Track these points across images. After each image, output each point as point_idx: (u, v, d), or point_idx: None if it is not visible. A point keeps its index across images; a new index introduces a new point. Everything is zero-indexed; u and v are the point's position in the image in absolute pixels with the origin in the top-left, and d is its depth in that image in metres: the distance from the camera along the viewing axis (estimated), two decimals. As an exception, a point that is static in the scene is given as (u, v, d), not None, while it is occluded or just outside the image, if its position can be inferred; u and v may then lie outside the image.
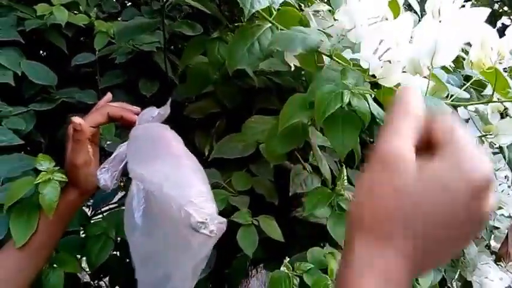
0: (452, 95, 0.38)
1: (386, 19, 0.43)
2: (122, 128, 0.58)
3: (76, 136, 0.43)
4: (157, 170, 0.38)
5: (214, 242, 0.36)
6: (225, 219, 0.36)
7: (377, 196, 0.22)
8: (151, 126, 0.45)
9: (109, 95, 0.50)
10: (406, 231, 0.21)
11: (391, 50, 0.39)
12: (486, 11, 0.41)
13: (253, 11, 0.42)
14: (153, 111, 0.46)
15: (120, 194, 0.68)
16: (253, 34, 0.45)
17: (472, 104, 0.47)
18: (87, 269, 0.63)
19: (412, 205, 0.21)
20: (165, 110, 0.46)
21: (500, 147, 0.52)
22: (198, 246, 0.36)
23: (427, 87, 0.37)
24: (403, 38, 0.39)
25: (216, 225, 0.35)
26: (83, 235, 0.60)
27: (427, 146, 0.23)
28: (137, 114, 0.47)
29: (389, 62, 0.39)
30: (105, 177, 0.44)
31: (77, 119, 0.43)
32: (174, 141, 0.43)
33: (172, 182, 0.37)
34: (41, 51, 0.73)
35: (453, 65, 0.53)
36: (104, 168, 0.44)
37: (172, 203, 0.35)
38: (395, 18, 0.55)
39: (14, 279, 0.44)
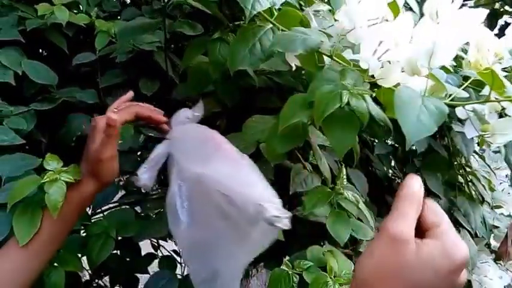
0: (450, 95, 0.38)
1: (386, 20, 0.43)
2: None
3: (109, 131, 0.44)
4: (218, 169, 0.40)
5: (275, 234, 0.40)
6: (290, 213, 0.38)
7: (384, 267, 0.29)
8: (194, 127, 0.47)
9: (131, 93, 0.51)
10: None
11: (391, 51, 0.39)
12: (484, 12, 0.41)
13: (254, 12, 0.42)
14: (186, 113, 0.48)
15: (120, 193, 0.68)
16: (255, 35, 0.45)
17: (470, 104, 0.48)
18: (88, 268, 0.64)
19: (410, 279, 0.28)
20: (199, 110, 0.49)
21: (501, 148, 0.52)
22: (260, 240, 0.39)
23: (426, 87, 0.37)
24: (403, 39, 0.39)
25: (287, 218, 0.37)
26: (84, 234, 0.60)
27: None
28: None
29: (389, 62, 0.40)
30: (145, 177, 0.46)
31: (113, 115, 0.45)
32: (224, 141, 0.44)
33: (238, 180, 0.39)
34: (42, 51, 0.74)
35: (454, 64, 0.53)
36: (144, 168, 0.46)
37: (243, 199, 0.37)
38: (395, 19, 0.55)
39: (16, 279, 0.43)
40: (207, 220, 0.42)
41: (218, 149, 0.43)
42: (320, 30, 0.47)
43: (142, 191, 0.74)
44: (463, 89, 0.40)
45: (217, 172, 0.40)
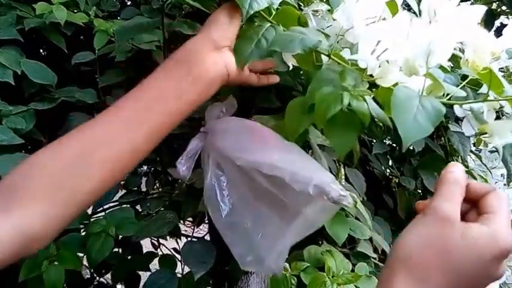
0: (448, 94, 0.39)
1: (384, 19, 0.43)
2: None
3: None
4: (271, 155, 0.42)
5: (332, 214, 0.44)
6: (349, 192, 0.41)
7: (429, 246, 0.29)
8: (234, 119, 0.49)
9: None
10: (442, 279, 0.29)
11: (389, 50, 0.39)
12: (482, 9, 0.41)
13: (252, 12, 0.42)
14: (220, 107, 0.51)
15: (120, 193, 0.68)
16: (257, 33, 0.44)
17: (468, 103, 0.48)
18: (91, 268, 0.64)
19: (453, 261, 0.29)
20: (232, 105, 0.52)
21: (497, 146, 0.53)
22: (312, 220, 0.43)
23: (423, 86, 0.37)
24: (401, 38, 0.39)
25: (349, 197, 0.40)
26: (84, 233, 0.60)
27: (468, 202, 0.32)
28: None
29: (387, 62, 0.40)
30: (183, 168, 0.48)
31: None
32: (269, 132, 0.46)
33: (294, 164, 0.41)
34: (41, 50, 0.74)
35: (451, 65, 0.54)
36: (182, 160, 0.49)
37: (303, 181, 0.39)
38: (393, 17, 0.55)
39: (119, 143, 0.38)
40: (250, 206, 0.45)
41: (266, 138, 0.46)
42: (318, 30, 0.47)
43: (143, 189, 0.74)
44: (461, 88, 0.40)
45: (271, 158, 0.42)
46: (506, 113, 0.52)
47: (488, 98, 0.39)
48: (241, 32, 0.45)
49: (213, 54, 0.41)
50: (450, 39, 0.37)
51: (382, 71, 0.41)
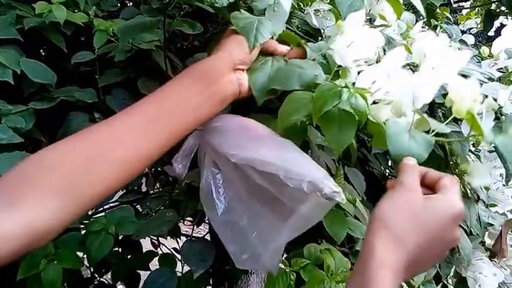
0: (434, 130, 0.40)
1: (378, 61, 0.44)
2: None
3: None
4: (265, 152, 0.43)
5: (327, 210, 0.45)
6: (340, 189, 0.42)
7: (400, 210, 0.35)
8: (229, 117, 0.49)
9: None
10: (417, 238, 0.34)
11: (382, 89, 0.41)
12: (469, 54, 0.42)
13: (257, 43, 0.45)
14: None
15: (120, 192, 0.68)
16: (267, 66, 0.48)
17: (452, 140, 0.53)
18: (91, 267, 0.64)
19: (421, 221, 0.35)
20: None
21: (495, 146, 0.53)
22: (307, 217, 0.43)
23: (412, 121, 0.39)
24: (394, 80, 0.41)
25: (342, 193, 0.41)
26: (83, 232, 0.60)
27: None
28: None
29: (380, 100, 0.42)
30: (179, 166, 0.49)
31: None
32: (263, 129, 0.47)
33: (288, 161, 0.42)
34: (41, 50, 0.74)
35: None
36: (178, 158, 0.49)
37: (297, 177, 0.40)
38: (398, 17, 0.56)
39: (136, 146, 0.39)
40: (245, 203, 0.46)
41: (260, 135, 0.46)
42: (314, 61, 0.49)
43: (143, 189, 0.74)
44: (447, 123, 0.42)
45: (265, 155, 0.42)
46: (505, 113, 0.52)
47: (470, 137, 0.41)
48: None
49: (230, 74, 0.45)
50: (433, 87, 0.40)
51: (375, 108, 0.42)
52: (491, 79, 0.59)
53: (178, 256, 0.63)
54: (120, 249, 0.68)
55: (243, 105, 0.56)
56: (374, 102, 0.43)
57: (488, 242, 0.76)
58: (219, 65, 0.45)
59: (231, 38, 0.46)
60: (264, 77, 0.47)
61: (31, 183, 0.34)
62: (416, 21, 0.67)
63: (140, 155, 0.39)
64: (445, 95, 0.41)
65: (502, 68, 0.67)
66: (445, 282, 0.79)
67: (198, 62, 0.45)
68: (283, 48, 0.51)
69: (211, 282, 0.75)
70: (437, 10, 1.00)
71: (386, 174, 0.79)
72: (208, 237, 0.66)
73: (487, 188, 0.72)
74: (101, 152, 0.37)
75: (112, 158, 0.37)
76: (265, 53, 0.50)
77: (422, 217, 0.35)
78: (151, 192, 0.77)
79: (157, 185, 0.84)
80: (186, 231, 0.77)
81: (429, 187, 0.38)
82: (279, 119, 0.44)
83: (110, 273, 0.67)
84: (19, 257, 0.33)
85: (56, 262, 0.55)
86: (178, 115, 0.41)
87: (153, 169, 0.83)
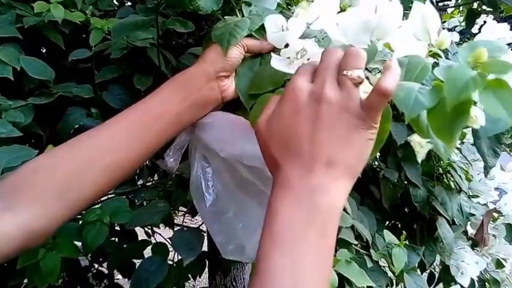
0: None
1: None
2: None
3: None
4: (254, 149, 0.43)
5: None
6: None
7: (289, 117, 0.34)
8: (220, 114, 0.50)
9: None
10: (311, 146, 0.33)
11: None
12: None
13: (230, 46, 0.45)
14: None
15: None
16: (251, 68, 0.48)
17: None
18: (88, 256, 0.66)
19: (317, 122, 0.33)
20: None
21: (475, 140, 0.55)
22: None
23: None
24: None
25: None
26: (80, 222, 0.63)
27: None
28: None
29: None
30: (171, 160, 0.51)
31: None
32: (248, 124, 0.48)
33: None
34: (40, 48, 0.76)
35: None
36: (170, 153, 0.51)
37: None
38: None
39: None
40: (233, 196, 0.47)
41: (248, 131, 0.46)
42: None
43: (139, 182, 0.76)
44: None
45: (253, 151, 0.43)
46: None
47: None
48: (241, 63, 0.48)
49: (211, 82, 0.47)
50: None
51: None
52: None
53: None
54: (116, 239, 0.71)
55: (241, 103, 0.58)
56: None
57: (471, 231, 0.78)
58: (199, 75, 0.46)
59: (211, 47, 0.48)
60: (247, 81, 0.48)
61: (28, 188, 0.37)
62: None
63: (130, 158, 0.42)
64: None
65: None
66: (432, 271, 0.82)
67: (179, 73, 0.47)
68: (269, 46, 0.50)
69: (207, 271, 0.77)
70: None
71: (375, 166, 0.81)
72: (203, 227, 0.68)
73: (469, 180, 0.75)
74: (92, 157, 0.40)
75: (103, 163, 0.40)
76: (253, 54, 0.49)
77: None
78: (147, 184, 0.80)
79: (156, 176, 0.87)
80: (185, 222, 0.79)
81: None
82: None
83: (104, 260, 0.70)
84: (14, 257, 0.36)
85: (54, 251, 0.57)
86: (160, 123, 0.44)
87: (150, 163, 0.86)
